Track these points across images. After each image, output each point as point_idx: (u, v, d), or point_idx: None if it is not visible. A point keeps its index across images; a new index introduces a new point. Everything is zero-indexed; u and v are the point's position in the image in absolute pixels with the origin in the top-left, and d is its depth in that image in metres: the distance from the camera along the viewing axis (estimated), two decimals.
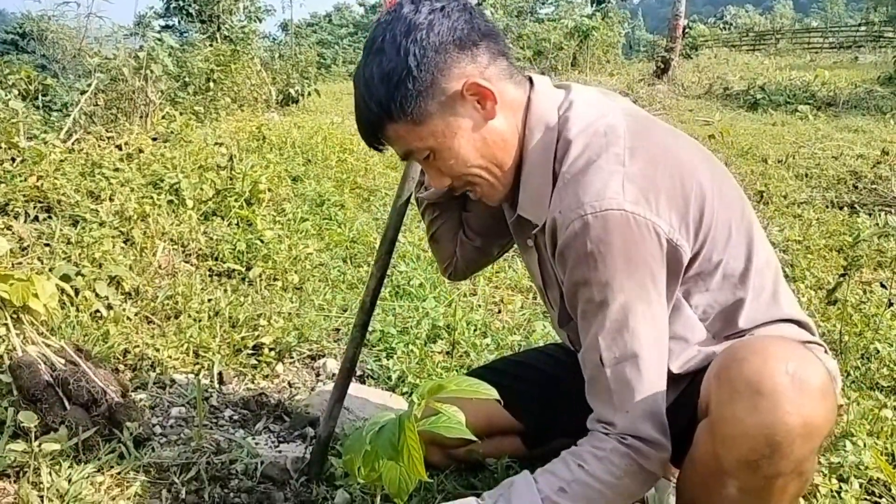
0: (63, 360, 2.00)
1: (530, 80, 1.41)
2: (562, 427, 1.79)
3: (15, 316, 2.06)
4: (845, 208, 5.38)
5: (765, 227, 4.63)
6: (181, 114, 5.99)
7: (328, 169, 5.35)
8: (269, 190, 4.16)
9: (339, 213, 4.34)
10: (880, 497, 1.81)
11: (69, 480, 1.67)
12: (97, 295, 2.55)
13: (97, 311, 2.46)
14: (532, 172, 1.37)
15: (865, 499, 1.78)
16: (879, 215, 5.12)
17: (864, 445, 1.91)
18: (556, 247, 1.32)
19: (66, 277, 2.55)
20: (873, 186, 6.00)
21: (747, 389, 1.13)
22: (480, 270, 1.96)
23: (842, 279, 2.89)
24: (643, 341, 1.26)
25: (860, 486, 1.80)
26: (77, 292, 2.52)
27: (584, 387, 1.69)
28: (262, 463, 1.85)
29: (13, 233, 2.97)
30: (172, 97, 7.02)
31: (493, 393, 1.22)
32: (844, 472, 1.84)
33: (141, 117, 5.88)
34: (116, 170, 4.09)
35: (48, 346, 2.05)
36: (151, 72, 5.89)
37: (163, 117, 5.81)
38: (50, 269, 2.59)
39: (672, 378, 1.43)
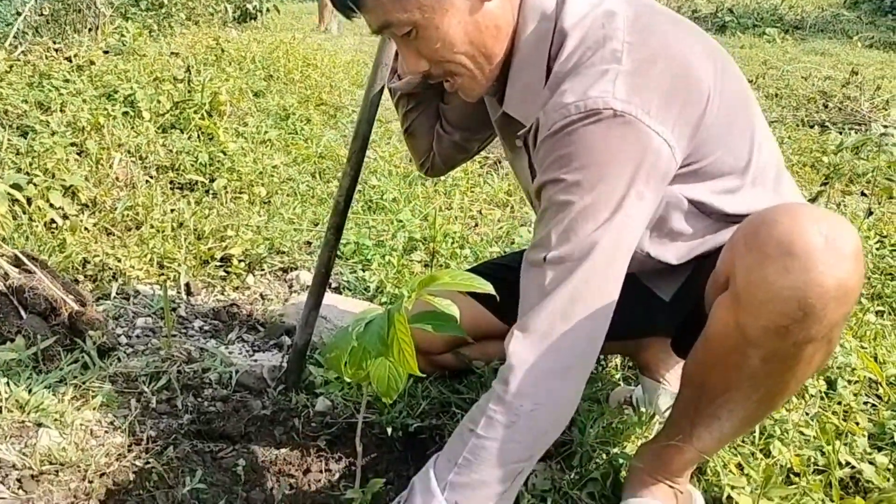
0: (17, 269, 1.86)
1: None
2: None
3: None
4: (816, 127, 5.36)
5: None
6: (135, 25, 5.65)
7: (291, 84, 5.13)
8: (231, 104, 3.96)
9: (304, 127, 4.16)
10: (867, 396, 1.80)
11: (29, 390, 1.57)
12: (51, 205, 2.39)
13: (52, 220, 2.31)
14: (523, 66, 1.24)
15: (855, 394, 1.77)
16: (850, 133, 5.12)
17: (851, 348, 1.90)
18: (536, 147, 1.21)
19: (16, 186, 2.38)
20: (843, 105, 5.99)
21: (778, 251, 1.05)
22: (459, 166, 1.85)
23: (823, 188, 2.85)
24: (598, 248, 1.13)
25: (849, 383, 1.78)
26: (29, 202, 2.36)
27: None
28: (236, 372, 1.76)
29: None
30: (124, 13, 6.64)
31: (489, 287, 1.13)
32: (832, 374, 1.82)
33: (90, 30, 5.55)
34: (66, 80, 3.86)
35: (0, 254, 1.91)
36: None
37: (114, 30, 5.48)
38: None
39: (671, 269, 1.36)
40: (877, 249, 2.70)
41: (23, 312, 1.75)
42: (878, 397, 1.80)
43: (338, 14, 1.30)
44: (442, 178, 3.35)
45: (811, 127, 5.38)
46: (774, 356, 1.12)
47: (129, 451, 1.47)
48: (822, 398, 1.73)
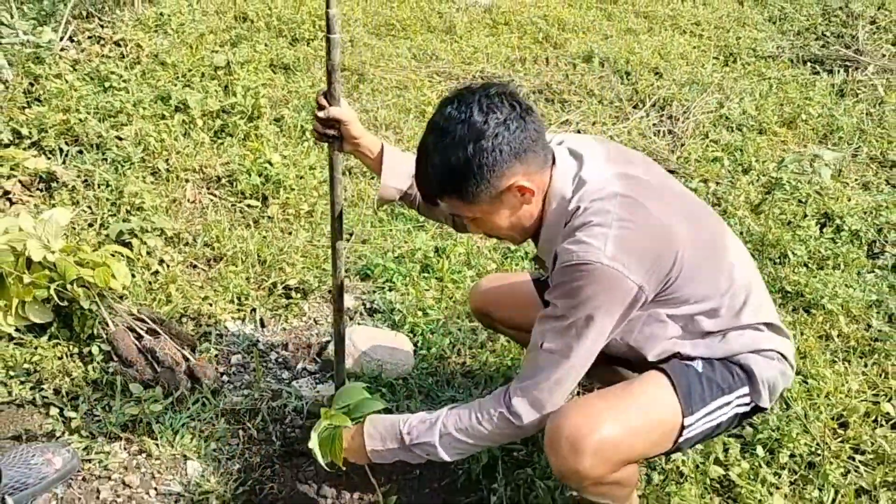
0: (145, 328, 2.60)
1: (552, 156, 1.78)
2: None
3: (99, 294, 2.63)
4: (809, 64, 5.67)
5: (727, 97, 5.02)
6: None
7: (319, 53, 5.49)
8: (266, 97, 4.43)
9: None
10: None
11: (174, 431, 2.35)
12: (149, 252, 3.06)
13: (156, 271, 3.01)
14: (548, 231, 1.80)
15: None
16: (838, 72, 5.45)
17: None
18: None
19: (120, 234, 3.05)
20: (841, 32, 6.16)
21: (547, 439, 1.74)
22: None
23: (766, 197, 3.45)
24: (576, 352, 1.72)
25: None
26: (130, 247, 3.02)
27: None
28: (306, 404, 2.52)
29: (58, 181, 3.41)
30: None
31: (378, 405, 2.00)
32: None
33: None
34: (125, 81, 4.36)
35: (130, 314, 2.65)
36: None
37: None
38: (101, 226, 3.09)
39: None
40: None
41: (156, 366, 2.51)
42: None
43: None
44: None
45: (804, 63, 5.68)
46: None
47: (244, 474, 2.26)
48: None
